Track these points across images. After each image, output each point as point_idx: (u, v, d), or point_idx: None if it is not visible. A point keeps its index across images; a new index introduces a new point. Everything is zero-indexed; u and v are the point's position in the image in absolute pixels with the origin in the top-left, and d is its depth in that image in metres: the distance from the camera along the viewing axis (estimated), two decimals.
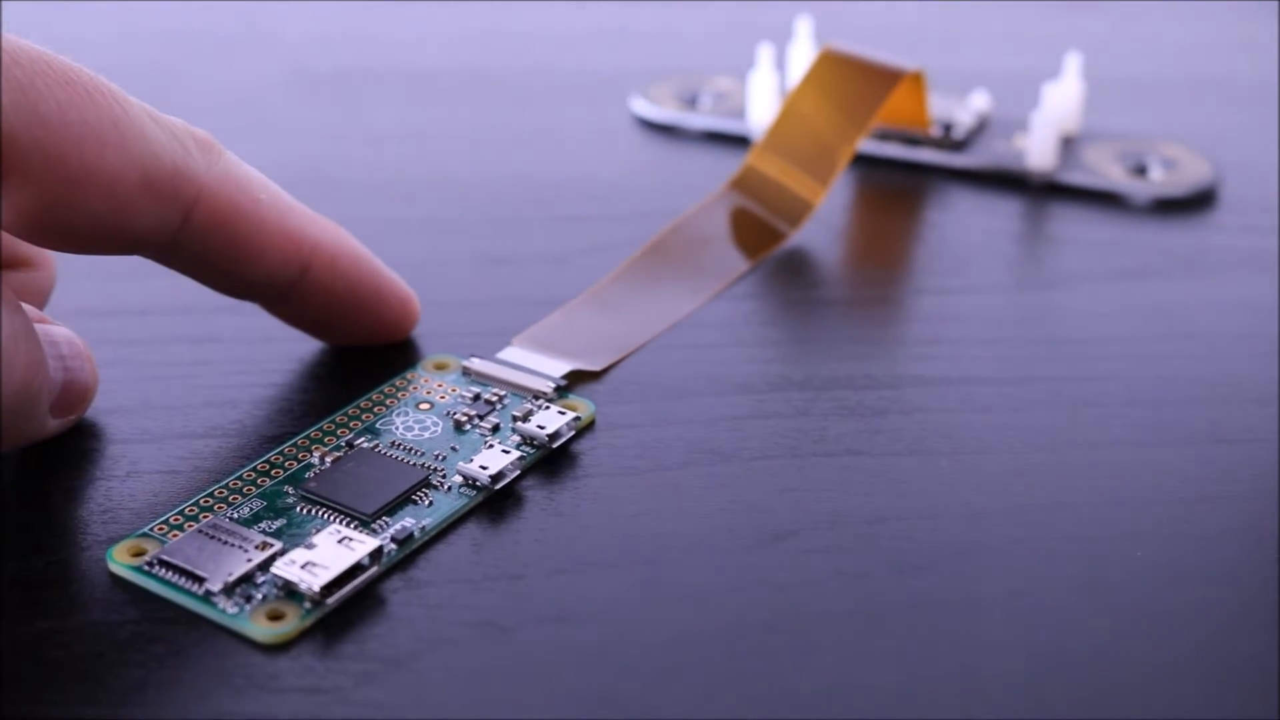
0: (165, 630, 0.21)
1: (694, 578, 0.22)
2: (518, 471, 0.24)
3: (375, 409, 0.26)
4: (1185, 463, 0.25)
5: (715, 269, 0.32)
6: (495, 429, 0.25)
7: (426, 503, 0.23)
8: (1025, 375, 0.28)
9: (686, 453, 0.25)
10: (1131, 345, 0.29)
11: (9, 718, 0.19)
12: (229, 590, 0.21)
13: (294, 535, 0.23)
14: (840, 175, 0.34)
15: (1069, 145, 0.38)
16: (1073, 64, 0.39)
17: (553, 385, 0.26)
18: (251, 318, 0.28)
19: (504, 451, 0.24)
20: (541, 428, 0.25)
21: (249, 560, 0.22)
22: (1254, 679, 0.21)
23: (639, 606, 0.22)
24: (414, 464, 0.24)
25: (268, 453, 0.25)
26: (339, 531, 0.22)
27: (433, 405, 0.26)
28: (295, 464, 0.24)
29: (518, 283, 0.31)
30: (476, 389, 0.27)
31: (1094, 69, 0.41)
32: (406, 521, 0.23)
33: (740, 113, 0.40)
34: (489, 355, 0.27)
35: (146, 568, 0.22)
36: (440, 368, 0.27)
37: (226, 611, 0.21)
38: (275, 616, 0.21)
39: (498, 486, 0.24)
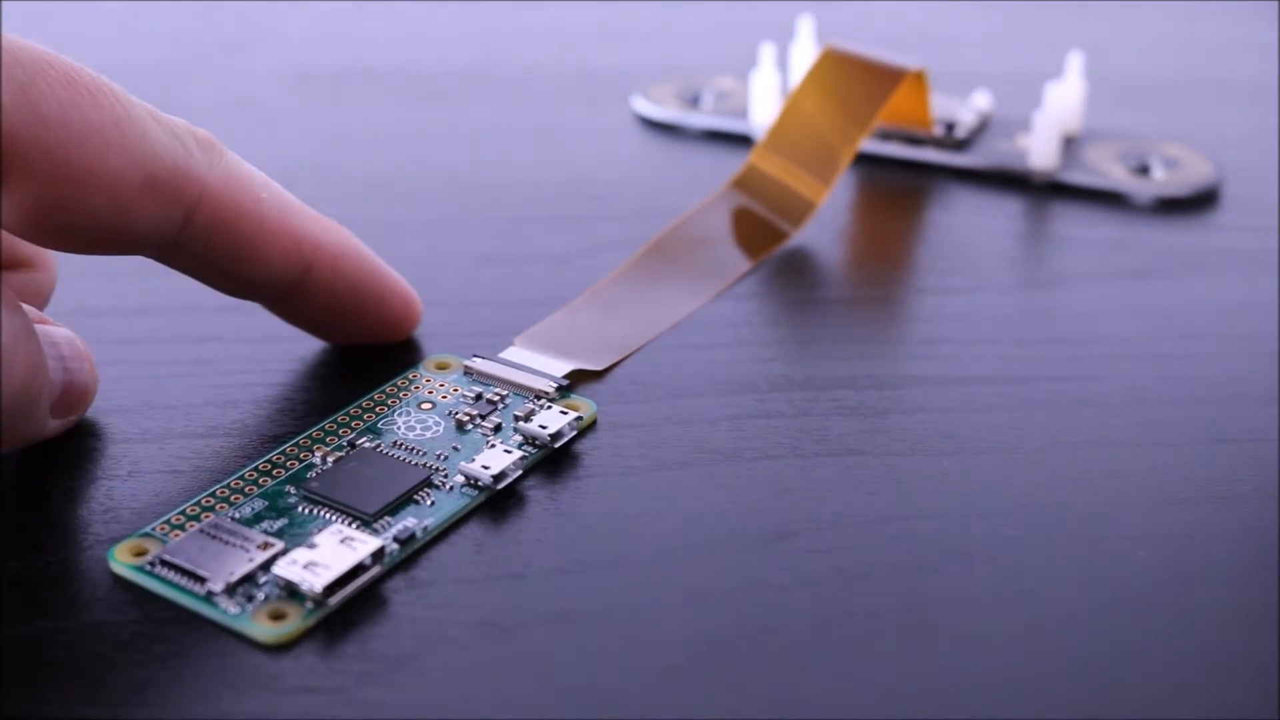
0: (167, 630, 0.21)
1: (696, 577, 0.22)
2: (519, 471, 0.24)
3: (377, 409, 0.26)
4: (1187, 462, 0.25)
5: (717, 268, 0.32)
6: (497, 429, 0.25)
7: (428, 502, 0.23)
8: (1027, 375, 0.28)
9: (688, 452, 0.25)
10: (1133, 345, 0.29)
11: (10, 717, 0.19)
12: (231, 590, 0.21)
13: (296, 535, 0.22)
14: (842, 175, 0.34)
15: (1071, 145, 0.38)
16: (1075, 63, 0.39)
17: (554, 385, 0.26)
18: (253, 317, 0.27)
19: (506, 451, 0.24)
20: (543, 427, 0.25)
21: (251, 560, 0.22)
22: (1255, 679, 0.20)
23: (641, 606, 0.22)
24: (416, 464, 0.24)
25: (269, 452, 0.25)
26: (341, 531, 0.22)
27: (434, 405, 0.26)
28: (297, 464, 0.24)
29: (519, 282, 0.31)
30: (478, 389, 0.27)
31: (1096, 68, 0.41)
32: (408, 521, 0.23)
33: (742, 112, 0.40)
34: (491, 355, 0.27)
35: (148, 567, 0.22)
36: (442, 367, 0.27)
37: (228, 611, 0.21)
38: (277, 616, 0.21)
39: (500, 486, 0.24)
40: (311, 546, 0.22)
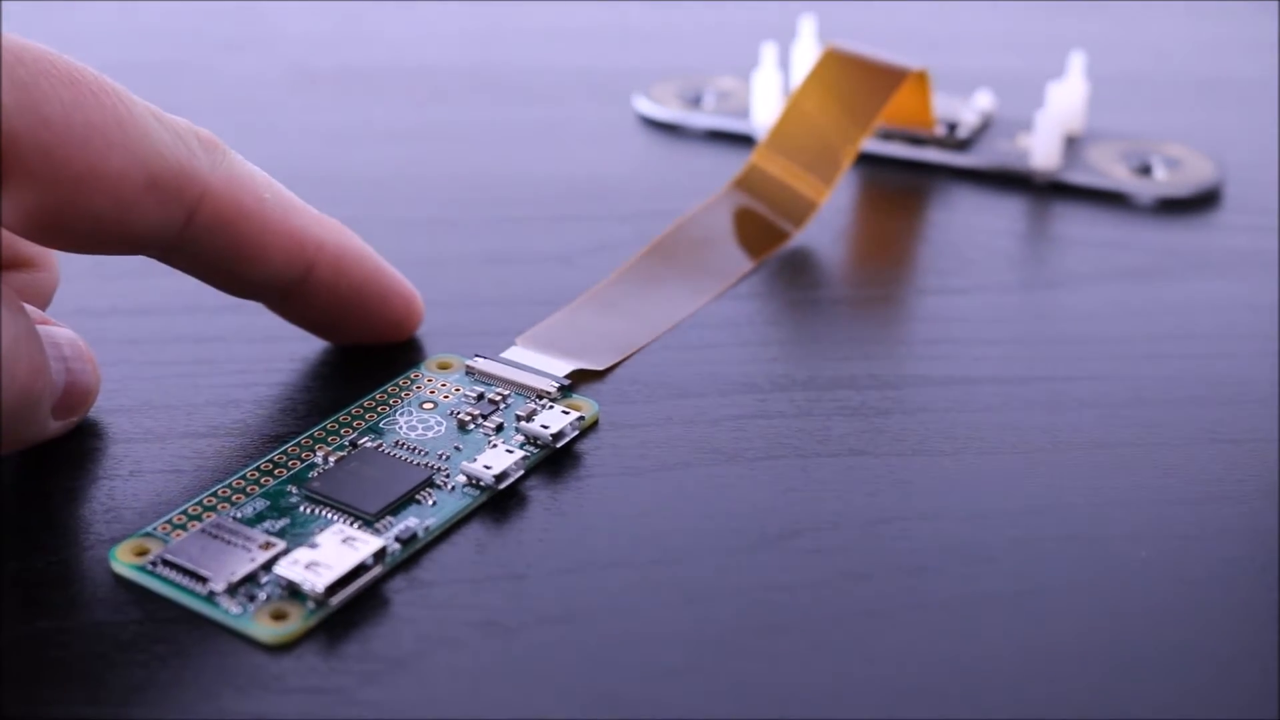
0: (168, 630, 0.21)
1: (697, 577, 0.22)
2: (521, 471, 0.24)
3: (379, 408, 0.26)
4: (1189, 463, 0.25)
5: (719, 268, 0.32)
6: (499, 428, 0.25)
7: (430, 502, 0.23)
8: (1029, 375, 0.28)
9: (690, 452, 0.25)
10: (1135, 345, 0.29)
11: (11, 718, 0.19)
12: (232, 590, 0.21)
13: (297, 535, 0.22)
14: (844, 175, 0.34)
15: (1073, 145, 0.38)
16: (1077, 64, 0.39)
17: (556, 385, 0.26)
18: (254, 317, 0.27)
19: (508, 451, 0.24)
20: (545, 427, 0.25)
21: (252, 560, 0.22)
22: (1256, 679, 0.20)
23: (642, 606, 0.22)
24: (417, 464, 0.24)
25: (271, 452, 0.25)
26: (342, 531, 0.22)
27: (436, 405, 0.26)
28: (299, 463, 0.24)
29: (521, 282, 0.31)
30: (480, 388, 0.27)
31: (1098, 69, 0.41)
32: (410, 521, 0.23)
33: (744, 112, 0.40)
34: (493, 355, 0.27)
35: (150, 567, 0.22)
36: (444, 367, 0.27)
37: (230, 611, 0.21)
38: (279, 616, 0.21)
39: (501, 486, 0.24)
40: (313, 546, 0.22)
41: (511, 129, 0.40)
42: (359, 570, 0.22)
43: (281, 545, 0.22)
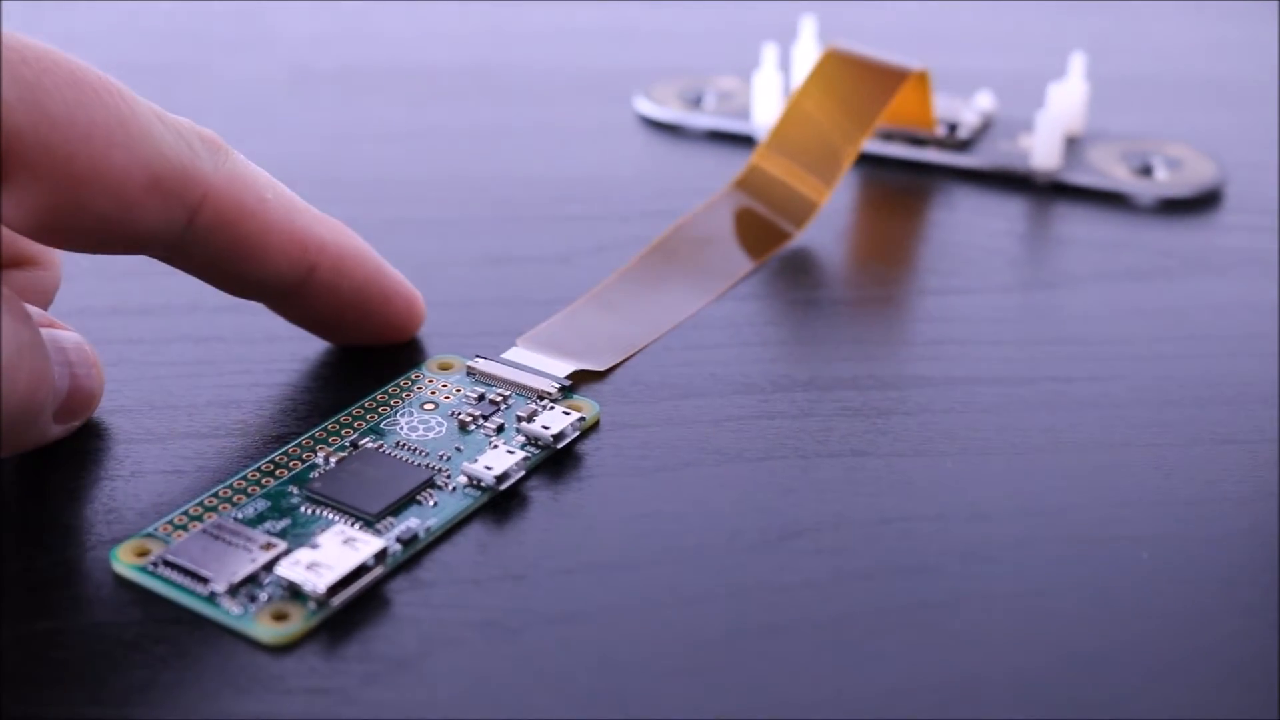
0: (169, 631, 0.21)
1: (699, 578, 0.22)
2: (522, 472, 0.24)
3: (380, 409, 0.26)
4: (1190, 463, 0.25)
5: (720, 269, 0.32)
6: (500, 429, 0.25)
7: (431, 503, 0.23)
8: (1030, 376, 0.28)
9: (691, 453, 0.25)
10: (1136, 346, 0.29)
11: (11, 718, 0.19)
12: (233, 591, 0.21)
13: (299, 536, 0.22)
14: (845, 175, 0.34)
15: (1073, 145, 0.38)
16: (1077, 64, 0.39)
17: (557, 385, 0.26)
18: (255, 317, 0.27)
19: (509, 452, 0.24)
20: (546, 428, 0.25)
21: (253, 561, 0.22)
22: (1257, 679, 0.20)
23: (644, 607, 0.22)
24: (419, 464, 0.24)
25: (272, 453, 0.25)
26: (344, 532, 0.22)
27: (437, 405, 0.26)
28: (300, 464, 0.24)
29: (522, 283, 0.31)
30: (481, 389, 0.26)
31: (1099, 69, 0.41)
32: (411, 522, 0.23)
33: (744, 113, 0.40)
34: (494, 355, 0.27)
35: (151, 568, 0.22)
36: (445, 368, 0.27)
37: (231, 612, 0.21)
38: (280, 617, 0.21)
39: (502, 487, 0.24)
40: (314, 547, 0.22)
41: (512, 129, 0.40)
42: (360, 571, 0.22)
43: (282, 546, 0.22)
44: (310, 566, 0.21)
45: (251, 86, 0.43)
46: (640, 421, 0.26)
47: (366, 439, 0.25)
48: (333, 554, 0.22)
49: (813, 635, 0.21)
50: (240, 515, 0.23)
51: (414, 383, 0.27)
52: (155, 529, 0.23)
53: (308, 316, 0.27)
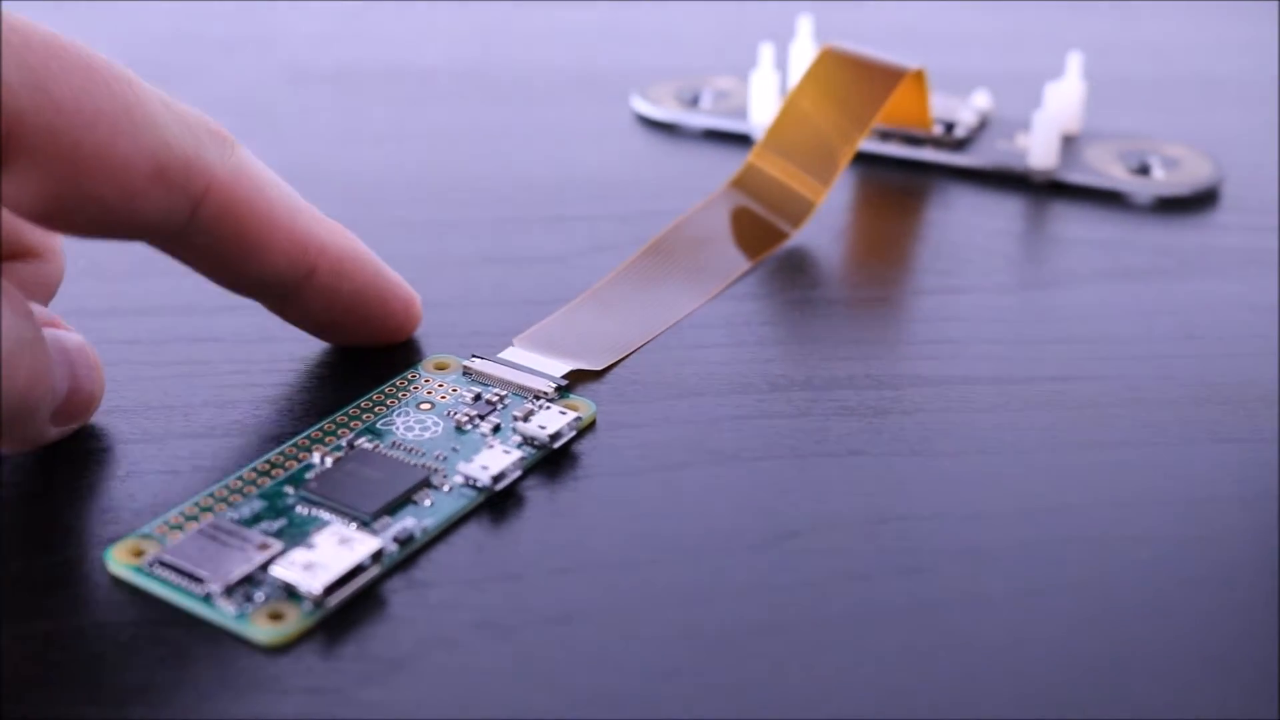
0: (165, 631, 0.21)
1: (695, 578, 0.22)
2: (519, 472, 0.24)
3: (376, 409, 0.26)
4: (1187, 463, 0.25)
5: (716, 268, 0.32)
6: (496, 429, 0.25)
7: (427, 503, 0.23)
8: (1027, 375, 0.28)
9: (688, 453, 0.25)
10: (1133, 345, 0.29)
11: (9, 718, 0.19)
12: (229, 591, 0.21)
13: (295, 536, 0.22)
14: (841, 174, 0.34)
15: (1070, 145, 0.38)
16: (1074, 63, 0.39)
17: (554, 385, 0.26)
18: (252, 317, 0.27)
19: (505, 452, 0.24)
20: (542, 428, 0.25)
21: (249, 561, 0.22)
22: (1256, 679, 0.20)
23: (640, 607, 0.22)
24: (415, 464, 0.24)
25: (268, 453, 0.24)
26: (340, 532, 0.22)
27: (433, 405, 0.26)
28: (296, 464, 0.24)
29: (518, 283, 0.31)
30: (477, 389, 0.26)
31: (1095, 68, 0.41)
32: (407, 522, 0.23)
33: (741, 112, 0.40)
34: (490, 355, 0.27)
35: (147, 568, 0.22)
36: (441, 368, 0.27)
37: (227, 612, 0.21)
38: (276, 617, 0.21)
39: (499, 487, 0.24)
40: (310, 547, 0.22)
41: (509, 129, 0.40)
42: (356, 571, 0.22)
43: (279, 546, 0.22)
44: (306, 567, 0.21)
45: (250, 87, 0.43)
46: (637, 421, 0.26)
47: (363, 439, 0.25)
48: (329, 554, 0.22)
49: (810, 635, 0.21)
50: (236, 515, 0.23)
51: (410, 383, 0.27)
52: (151, 529, 0.23)
53: (306, 317, 0.27)
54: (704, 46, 0.48)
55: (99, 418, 0.26)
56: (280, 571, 0.21)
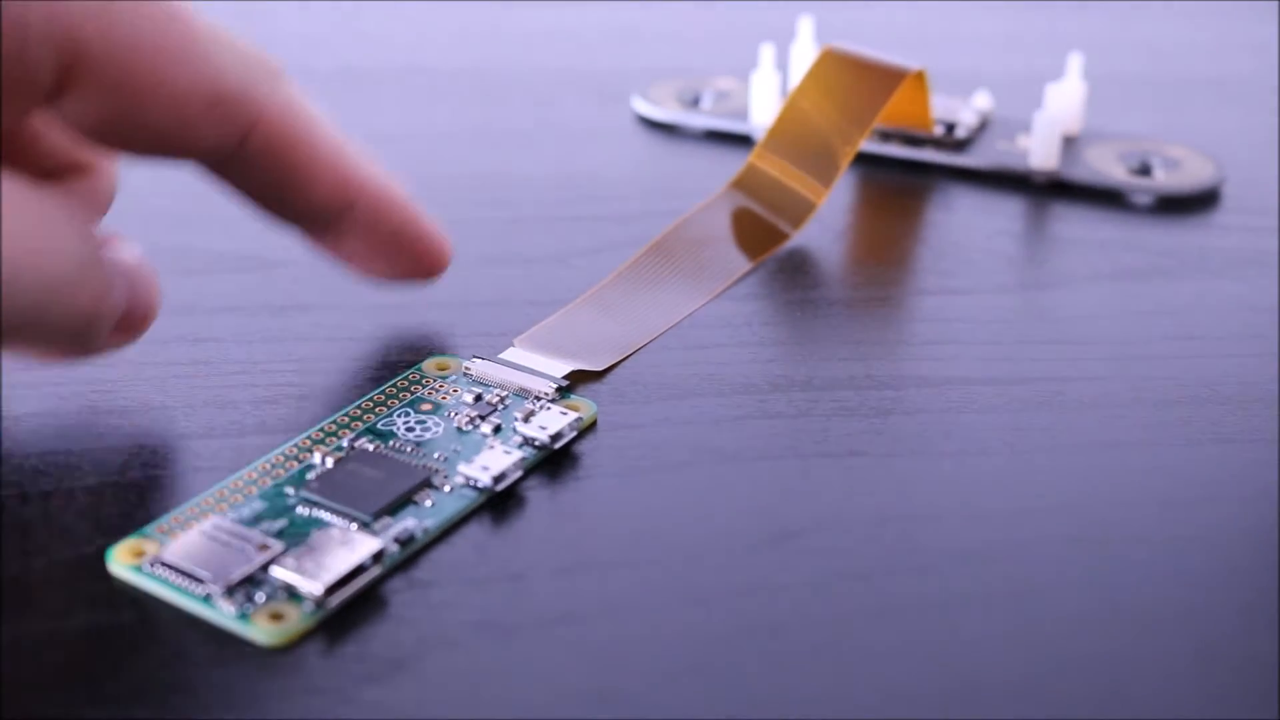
0: (166, 632, 0.21)
1: (696, 578, 0.22)
2: (520, 472, 0.24)
3: (377, 409, 0.26)
4: (1188, 463, 0.25)
5: (717, 269, 0.32)
6: (497, 430, 0.25)
7: (428, 504, 0.23)
8: (1028, 375, 0.28)
9: (688, 453, 0.25)
10: (1134, 346, 0.29)
11: (10, 719, 0.19)
12: (230, 591, 0.21)
13: (295, 536, 0.22)
14: (842, 175, 0.34)
15: (1071, 145, 0.38)
16: (1075, 64, 0.39)
17: (554, 386, 0.26)
18: (252, 318, 0.28)
19: (506, 452, 0.24)
20: (543, 428, 0.25)
21: (250, 561, 0.22)
22: (1256, 679, 0.20)
23: (642, 607, 0.22)
24: (416, 465, 0.24)
25: (269, 453, 0.24)
26: (341, 533, 0.22)
27: (434, 406, 0.26)
28: (296, 465, 0.24)
29: (519, 283, 0.31)
30: (478, 390, 0.26)
31: (1096, 69, 0.41)
32: (408, 522, 0.23)
33: (742, 113, 0.40)
34: (490, 356, 0.27)
35: (147, 568, 0.22)
36: (442, 369, 0.27)
37: (228, 613, 0.21)
38: (276, 617, 0.21)
39: (499, 487, 0.24)
40: (311, 548, 0.22)
41: (509, 130, 0.40)
42: (357, 571, 0.22)
43: (279, 546, 0.22)
44: (307, 567, 0.21)
45: None
46: (638, 422, 0.26)
47: (363, 439, 0.25)
48: (329, 555, 0.21)
49: (810, 635, 0.21)
50: (236, 516, 0.23)
51: (411, 383, 0.27)
52: (152, 529, 0.23)
53: (342, 249, 0.27)
54: (705, 47, 0.48)
55: (98, 417, 0.26)
56: (281, 572, 0.21)
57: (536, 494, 0.24)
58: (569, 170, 0.38)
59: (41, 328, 0.21)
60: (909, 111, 0.37)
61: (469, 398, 0.26)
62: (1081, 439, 0.26)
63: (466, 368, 0.27)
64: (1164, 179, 0.37)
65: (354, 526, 0.23)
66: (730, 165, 0.36)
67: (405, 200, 0.27)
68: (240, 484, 0.24)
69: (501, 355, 0.28)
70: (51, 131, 0.24)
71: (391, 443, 0.25)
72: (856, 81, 0.34)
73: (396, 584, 0.22)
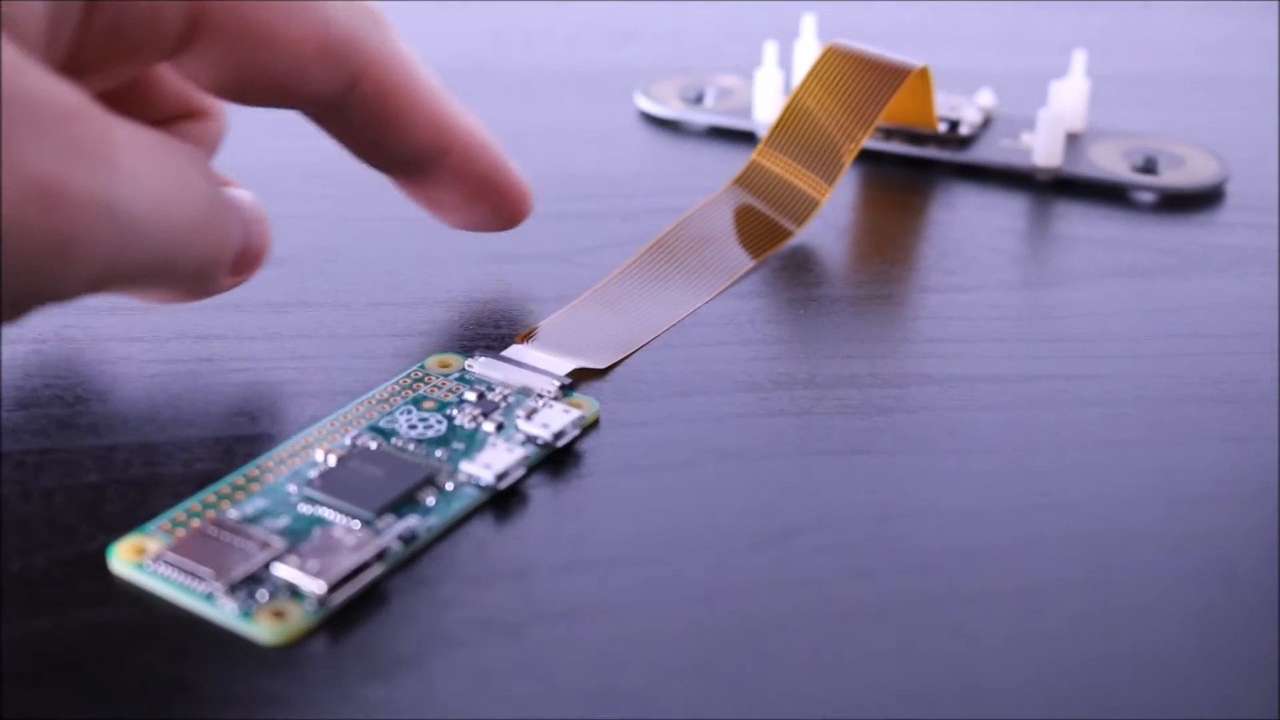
0: (168, 629, 0.21)
1: (699, 576, 0.22)
2: (522, 470, 0.24)
3: (379, 407, 0.26)
4: (1192, 461, 0.25)
5: (720, 266, 0.32)
6: (500, 427, 0.25)
7: (431, 501, 0.23)
8: (1031, 373, 0.28)
9: (691, 451, 0.25)
10: (1138, 343, 0.29)
11: (10, 717, 0.19)
12: (232, 589, 0.21)
13: (298, 534, 0.22)
14: (845, 172, 0.34)
15: (1075, 143, 0.38)
16: (1079, 62, 0.39)
17: (557, 383, 0.26)
18: (254, 315, 0.27)
19: (508, 450, 0.24)
20: (546, 426, 0.25)
21: (252, 559, 0.22)
22: (1257, 679, 0.20)
23: (644, 605, 0.22)
24: (418, 462, 0.24)
25: (271, 450, 0.24)
26: (343, 530, 0.22)
27: (437, 403, 0.26)
28: (299, 462, 0.24)
29: (522, 280, 0.31)
30: (481, 387, 0.26)
31: (1100, 67, 0.41)
32: (411, 520, 0.23)
33: (745, 110, 0.40)
34: (493, 354, 0.27)
35: (149, 566, 0.22)
36: (445, 366, 0.27)
37: (230, 611, 0.21)
38: (279, 615, 0.21)
39: (502, 485, 0.24)
40: (314, 545, 0.22)
41: (512, 127, 0.40)
42: (360, 569, 0.21)
43: (282, 544, 0.22)
44: (309, 565, 0.21)
45: None
46: (640, 419, 0.26)
47: (366, 437, 0.25)
48: (332, 553, 0.21)
49: (813, 633, 0.21)
50: (239, 513, 0.23)
51: (414, 381, 0.27)
52: (154, 527, 0.23)
53: (428, 195, 0.28)
54: (708, 44, 0.48)
55: (100, 414, 0.26)
56: (283, 570, 0.21)
57: (539, 492, 0.24)
58: (572, 167, 0.38)
59: (174, 270, 0.22)
60: (912, 109, 0.37)
61: (472, 395, 0.26)
62: (1084, 437, 0.26)
63: (469, 365, 0.27)
64: (1168, 177, 0.37)
65: (356, 524, 0.23)
66: (733, 162, 0.36)
67: (495, 149, 0.28)
68: (242, 481, 0.24)
69: (504, 353, 0.28)
70: (166, 78, 0.26)
71: (394, 440, 0.25)
72: (860, 79, 0.34)
73: (399, 582, 0.22)
